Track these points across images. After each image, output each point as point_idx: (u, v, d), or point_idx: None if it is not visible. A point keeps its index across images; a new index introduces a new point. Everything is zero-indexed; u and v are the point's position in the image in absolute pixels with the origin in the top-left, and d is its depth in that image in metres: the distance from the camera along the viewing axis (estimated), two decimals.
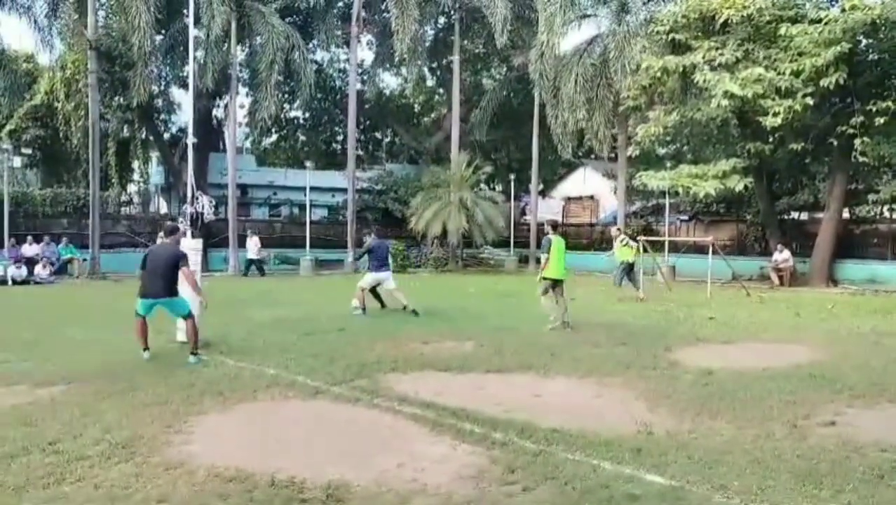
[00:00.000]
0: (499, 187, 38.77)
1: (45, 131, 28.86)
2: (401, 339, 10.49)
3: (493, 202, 29.34)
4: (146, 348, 8.80)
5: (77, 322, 12.18)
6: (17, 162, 27.96)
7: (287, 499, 4.30)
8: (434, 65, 36.75)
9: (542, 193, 39.08)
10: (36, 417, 6.00)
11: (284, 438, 5.61)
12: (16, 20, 52.62)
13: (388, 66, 35.99)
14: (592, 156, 33.81)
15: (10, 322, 12.36)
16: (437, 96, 41.35)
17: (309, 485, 4.51)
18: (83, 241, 24.28)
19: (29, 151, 30.01)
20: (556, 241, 11.65)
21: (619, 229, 18.64)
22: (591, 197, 38.59)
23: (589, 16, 28.18)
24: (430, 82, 40.50)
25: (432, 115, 41.82)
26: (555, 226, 12.10)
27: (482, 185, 31.23)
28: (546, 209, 38.16)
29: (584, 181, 39.94)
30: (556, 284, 11.71)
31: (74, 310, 14.51)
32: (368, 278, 13.65)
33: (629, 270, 17.51)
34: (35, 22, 25.53)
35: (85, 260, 23.67)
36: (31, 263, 21.75)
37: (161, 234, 9.65)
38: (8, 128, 28.04)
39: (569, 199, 40.36)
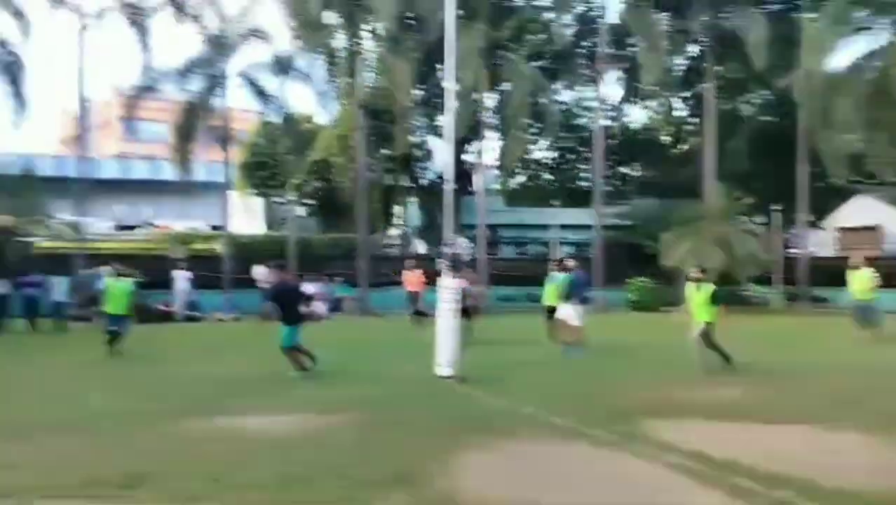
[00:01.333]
0: (759, 219, 35.90)
1: (322, 183, 32.38)
2: (660, 382, 10.06)
3: (753, 235, 27.23)
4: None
5: (359, 353, 13.34)
6: (301, 211, 31.75)
7: None
8: (686, 94, 35.40)
9: (812, 224, 35.45)
10: (326, 443, 6.67)
11: (547, 478, 5.61)
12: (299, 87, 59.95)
13: (635, 99, 35.40)
14: (873, 181, 30.07)
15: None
16: (688, 126, 39.68)
17: None
18: (353, 280, 26.68)
19: (310, 202, 33.87)
20: None
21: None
22: (873, 228, 34.14)
23: (864, 29, 25.45)
24: (681, 112, 39.03)
25: (683, 147, 40.14)
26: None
27: (741, 218, 29.13)
28: (816, 242, 34.56)
29: (863, 210, 35.52)
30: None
31: (355, 342, 16.00)
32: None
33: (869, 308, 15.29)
34: (314, 86, 28.95)
35: (354, 299, 25.99)
36: (309, 300, 24.40)
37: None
38: (294, 182, 31.96)
39: (843, 230, 36.08)
